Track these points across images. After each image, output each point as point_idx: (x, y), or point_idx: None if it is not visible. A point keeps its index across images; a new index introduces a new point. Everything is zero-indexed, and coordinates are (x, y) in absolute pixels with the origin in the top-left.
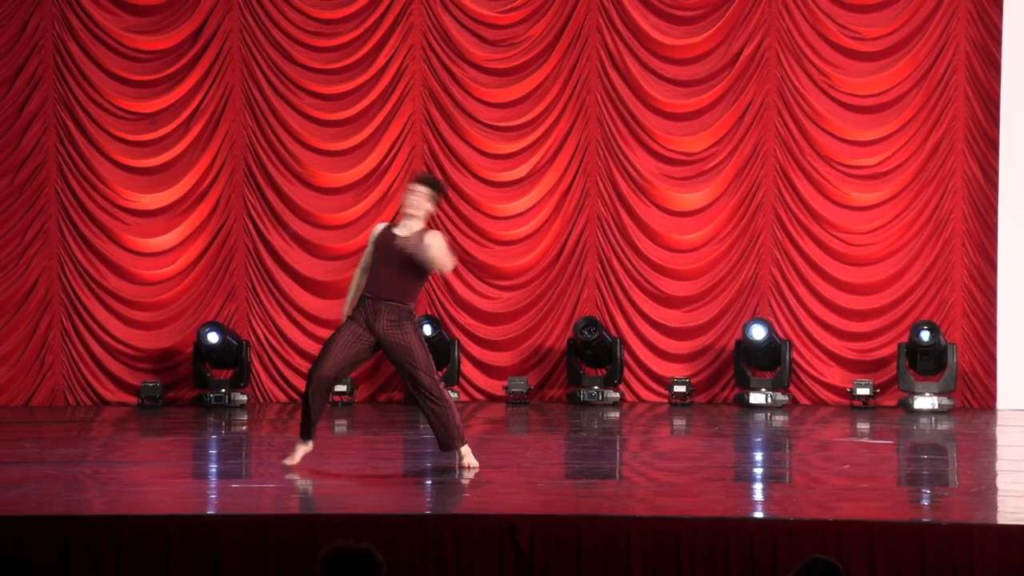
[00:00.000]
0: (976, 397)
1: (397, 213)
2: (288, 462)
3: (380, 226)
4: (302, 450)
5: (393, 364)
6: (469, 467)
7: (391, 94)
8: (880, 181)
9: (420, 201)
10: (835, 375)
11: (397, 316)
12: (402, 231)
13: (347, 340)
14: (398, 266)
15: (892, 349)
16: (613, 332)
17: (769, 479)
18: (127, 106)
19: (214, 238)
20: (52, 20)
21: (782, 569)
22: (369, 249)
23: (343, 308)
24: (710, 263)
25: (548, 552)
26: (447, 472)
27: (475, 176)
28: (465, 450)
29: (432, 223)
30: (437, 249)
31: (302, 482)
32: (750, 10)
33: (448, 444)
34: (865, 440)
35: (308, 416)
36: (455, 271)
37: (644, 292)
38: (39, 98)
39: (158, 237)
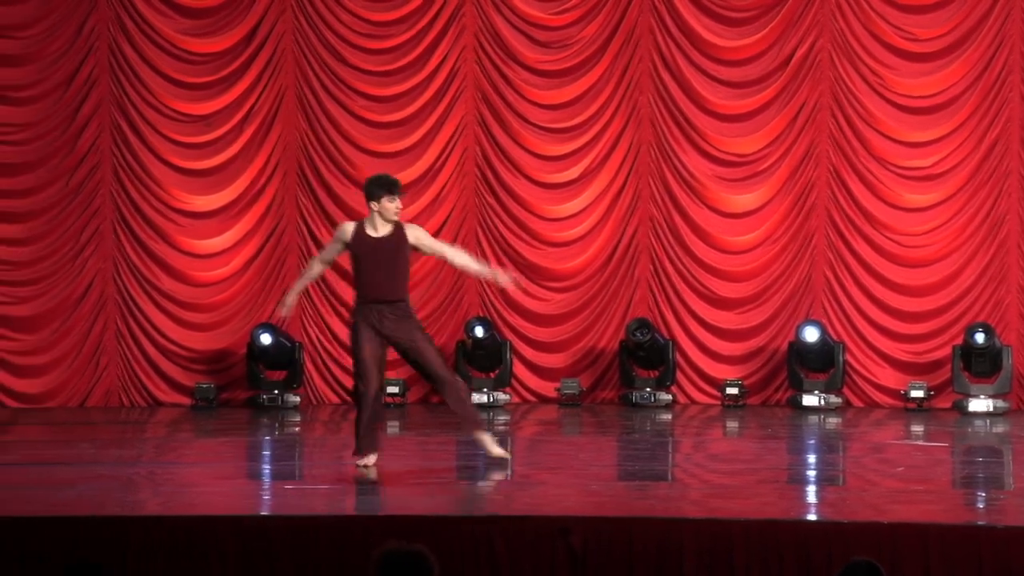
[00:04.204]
0: None
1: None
2: (364, 462)
3: (348, 227)
4: (371, 460)
5: (405, 361)
6: (499, 457)
7: (443, 96)
8: (934, 182)
9: (399, 207)
10: (889, 377)
11: (400, 316)
12: (377, 231)
13: (371, 346)
14: (386, 266)
15: (946, 351)
16: (665, 334)
17: (823, 481)
18: (181, 108)
19: (267, 240)
20: (107, 23)
21: (836, 572)
22: (334, 247)
23: (291, 289)
24: (763, 265)
25: (600, 554)
26: (499, 473)
27: (527, 178)
28: (488, 438)
29: (480, 224)
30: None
31: (355, 484)
32: (803, 11)
33: (473, 426)
34: (919, 442)
35: (371, 430)
36: (507, 274)
37: (696, 294)
38: (94, 100)
39: (212, 239)
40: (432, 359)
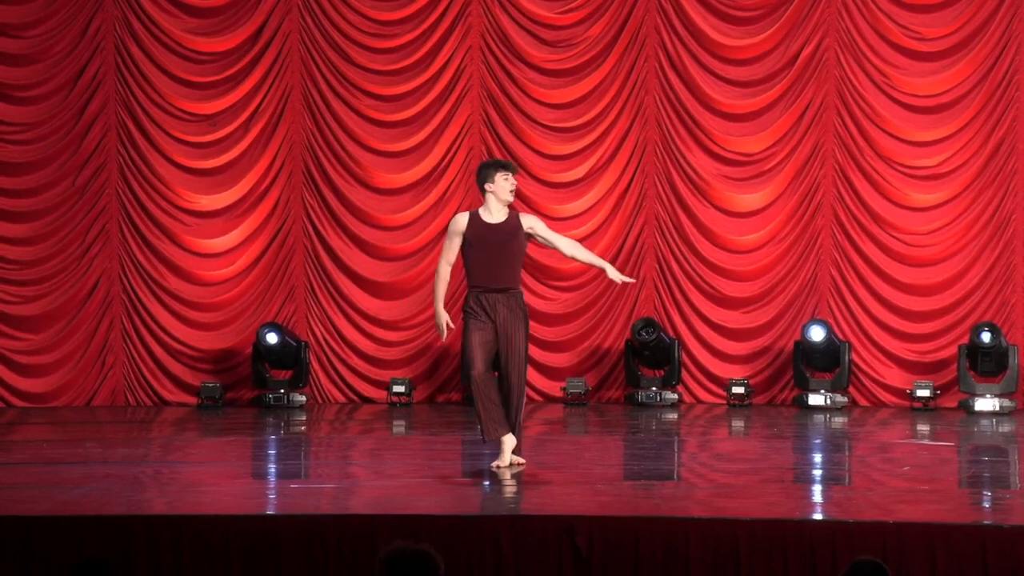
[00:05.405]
0: None
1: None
2: (500, 464)
3: (462, 217)
4: (509, 444)
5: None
6: (516, 463)
7: (449, 95)
8: (940, 182)
9: (514, 187)
10: (895, 376)
11: (513, 307)
12: (494, 217)
13: (483, 333)
14: (502, 254)
15: (952, 350)
16: (671, 333)
17: (828, 481)
18: (187, 107)
19: (273, 239)
20: (113, 22)
21: (841, 572)
22: (454, 242)
23: (437, 307)
24: (769, 264)
25: (606, 553)
26: (505, 473)
27: (533, 177)
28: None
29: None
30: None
31: (360, 483)
32: (809, 10)
33: (513, 430)
34: (925, 442)
35: (493, 411)
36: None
37: (702, 293)
38: (100, 100)
39: (218, 238)
40: (517, 364)
